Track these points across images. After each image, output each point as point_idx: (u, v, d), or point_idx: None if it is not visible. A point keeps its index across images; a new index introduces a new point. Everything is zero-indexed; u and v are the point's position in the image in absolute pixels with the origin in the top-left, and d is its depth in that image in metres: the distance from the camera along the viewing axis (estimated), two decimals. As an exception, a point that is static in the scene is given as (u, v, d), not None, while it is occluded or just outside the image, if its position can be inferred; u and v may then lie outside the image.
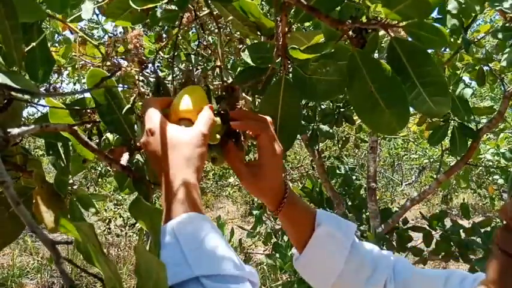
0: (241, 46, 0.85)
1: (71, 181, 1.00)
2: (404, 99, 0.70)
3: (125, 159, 0.76)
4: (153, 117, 0.66)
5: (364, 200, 2.88)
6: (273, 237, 3.03)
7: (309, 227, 0.76)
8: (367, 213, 2.53)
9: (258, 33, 0.74)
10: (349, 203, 2.82)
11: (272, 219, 3.52)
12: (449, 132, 2.15)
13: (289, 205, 0.76)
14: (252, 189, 0.76)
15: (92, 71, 0.82)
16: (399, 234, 2.57)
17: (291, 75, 0.77)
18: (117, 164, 0.74)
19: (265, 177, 0.73)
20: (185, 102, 0.70)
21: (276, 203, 0.76)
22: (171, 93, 0.82)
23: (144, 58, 0.77)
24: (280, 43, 0.71)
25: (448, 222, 2.62)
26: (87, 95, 0.91)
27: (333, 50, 0.71)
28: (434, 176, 6.32)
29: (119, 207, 5.95)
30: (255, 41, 0.79)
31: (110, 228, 5.92)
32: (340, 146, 2.64)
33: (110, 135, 0.87)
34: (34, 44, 0.80)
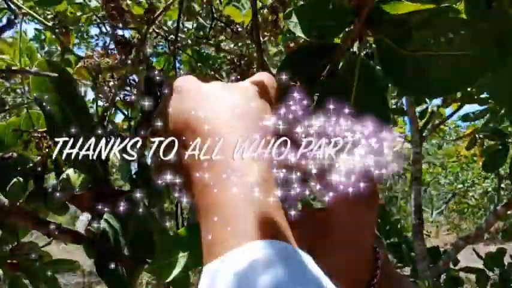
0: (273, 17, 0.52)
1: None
2: None
3: (83, 221, 0.44)
4: (184, 79, 0.38)
5: (404, 238, 2.54)
6: None
7: None
8: (412, 254, 2.14)
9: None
10: (386, 241, 2.45)
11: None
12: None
13: None
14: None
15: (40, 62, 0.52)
16: (450, 277, 2.18)
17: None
18: (64, 234, 0.41)
19: (336, 244, 0.39)
20: None
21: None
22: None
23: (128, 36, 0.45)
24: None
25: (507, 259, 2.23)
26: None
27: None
28: (469, 202, 5.82)
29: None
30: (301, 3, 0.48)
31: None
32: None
33: (71, 172, 0.55)
34: None
